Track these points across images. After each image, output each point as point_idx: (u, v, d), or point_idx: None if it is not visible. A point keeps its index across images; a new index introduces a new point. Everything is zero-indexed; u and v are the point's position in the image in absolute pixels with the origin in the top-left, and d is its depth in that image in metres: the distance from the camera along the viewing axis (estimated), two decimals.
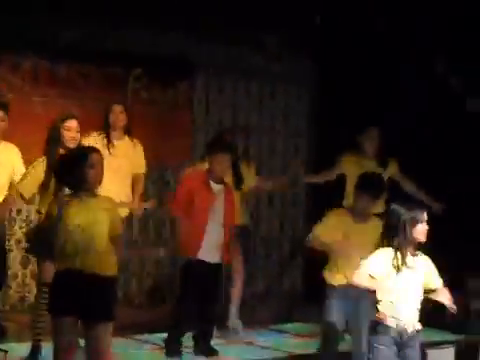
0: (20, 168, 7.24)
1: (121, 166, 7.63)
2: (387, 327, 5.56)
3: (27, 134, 7.94)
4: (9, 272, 8.10)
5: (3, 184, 7.27)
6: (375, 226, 6.49)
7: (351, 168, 8.23)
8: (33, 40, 8.42)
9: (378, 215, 6.87)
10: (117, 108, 7.78)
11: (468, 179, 9.17)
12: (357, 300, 6.60)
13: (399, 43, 9.51)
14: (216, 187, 7.38)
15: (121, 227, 6.01)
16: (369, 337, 5.81)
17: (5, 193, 7.21)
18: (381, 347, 5.60)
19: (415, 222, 5.56)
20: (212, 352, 7.49)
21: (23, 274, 8.69)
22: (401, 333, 5.60)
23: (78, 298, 5.42)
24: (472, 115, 9.85)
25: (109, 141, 7.67)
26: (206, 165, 7.60)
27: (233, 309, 8.44)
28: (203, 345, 7.54)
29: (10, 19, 8.17)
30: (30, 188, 6.96)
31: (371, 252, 5.93)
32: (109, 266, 5.70)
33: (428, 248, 5.74)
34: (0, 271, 7.53)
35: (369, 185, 6.88)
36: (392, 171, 8.48)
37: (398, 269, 5.54)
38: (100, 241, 5.61)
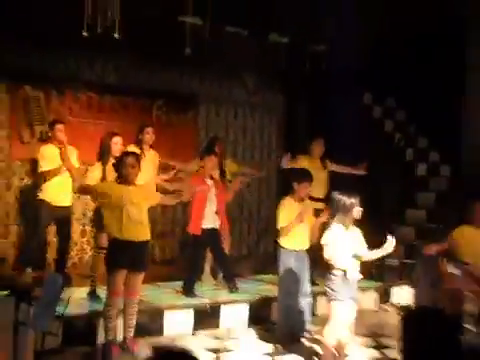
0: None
1: (149, 168, 8.12)
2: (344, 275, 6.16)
3: (83, 146, 8.36)
4: (71, 241, 8.67)
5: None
6: (309, 204, 7.40)
7: (304, 164, 8.63)
8: (87, 80, 9.16)
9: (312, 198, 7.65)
10: (148, 129, 8.33)
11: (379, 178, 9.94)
12: (303, 257, 7.30)
13: (336, 82, 9.86)
14: (209, 182, 8.22)
15: (157, 197, 7.06)
16: (327, 281, 6.31)
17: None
18: (340, 289, 6.20)
19: (353, 205, 6.23)
20: (235, 288, 8.41)
21: (81, 242, 9.36)
22: (351, 281, 6.23)
23: (128, 257, 6.36)
24: (388, 134, 11.12)
25: (142, 151, 8.07)
26: (202, 163, 8.30)
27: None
28: (230, 283, 8.45)
29: (72, 65, 8.95)
30: (91, 182, 7.34)
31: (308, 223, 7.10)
32: (146, 234, 6.59)
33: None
34: (66, 239, 8.30)
35: (307, 176, 7.39)
36: (328, 166, 9.04)
37: (345, 236, 6.22)
38: (140, 216, 6.47)
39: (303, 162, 8.86)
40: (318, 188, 8.47)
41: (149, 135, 8.41)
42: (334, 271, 6.28)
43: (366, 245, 6.44)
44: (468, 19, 10.02)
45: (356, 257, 6.33)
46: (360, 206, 6.32)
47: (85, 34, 7.10)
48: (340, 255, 6.26)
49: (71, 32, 7.12)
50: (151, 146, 8.48)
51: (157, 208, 8.96)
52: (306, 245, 7.37)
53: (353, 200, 6.30)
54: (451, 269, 6.89)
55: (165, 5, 8.15)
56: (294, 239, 7.27)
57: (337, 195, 6.40)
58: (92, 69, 9.08)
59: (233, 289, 8.46)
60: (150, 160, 8.40)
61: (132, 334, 6.70)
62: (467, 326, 7.19)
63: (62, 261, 8.33)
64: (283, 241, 7.31)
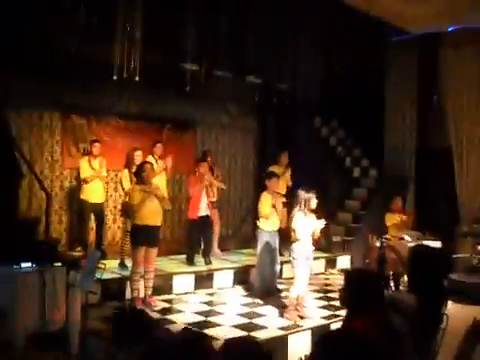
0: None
1: (161, 173, 8.22)
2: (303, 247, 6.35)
3: (113, 157, 8.59)
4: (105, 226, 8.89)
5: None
6: (279, 197, 7.47)
7: (274, 170, 8.39)
8: (117, 111, 9.10)
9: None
10: (158, 144, 8.47)
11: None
12: (275, 236, 7.31)
13: (295, 110, 10.12)
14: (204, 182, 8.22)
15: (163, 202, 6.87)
16: (290, 252, 6.41)
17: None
18: (300, 259, 6.35)
19: (310, 198, 6.38)
20: (210, 262, 8.32)
21: (113, 227, 9.26)
22: (308, 254, 6.42)
23: (145, 237, 6.50)
24: (332, 147, 11.15)
25: (156, 161, 8.19)
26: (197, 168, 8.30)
27: (215, 243, 8.98)
28: (206, 258, 8.34)
29: (106, 100, 8.88)
30: (125, 185, 7.77)
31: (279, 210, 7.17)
32: (159, 220, 6.70)
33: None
34: (101, 226, 8.48)
35: (271, 175, 7.44)
36: (290, 173, 8.96)
37: (305, 221, 6.35)
38: (155, 208, 6.58)
39: (273, 168, 8.75)
40: (283, 186, 8.52)
41: (158, 148, 8.49)
42: (295, 244, 6.38)
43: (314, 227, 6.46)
44: (387, 63, 10.12)
45: (311, 232, 6.40)
46: (315, 199, 6.41)
47: (115, 78, 7.10)
48: (300, 234, 6.33)
49: (105, 77, 7.09)
50: (160, 157, 8.47)
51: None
52: (277, 227, 7.40)
53: (310, 194, 6.39)
54: (376, 243, 6.98)
55: (171, 55, 8.11)
56: (269, 222, 7.28)
57: (299, 191, 6.48)
58: (120, 103, 9.03)
59: (208, 262, 8.35)
60: (161, 166, 8.41)
61: (150, 292, 6.77)
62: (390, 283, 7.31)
63: (99, 241, 8.42)
64: (261, 224, 7.31)
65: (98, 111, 9.02)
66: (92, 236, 8.51)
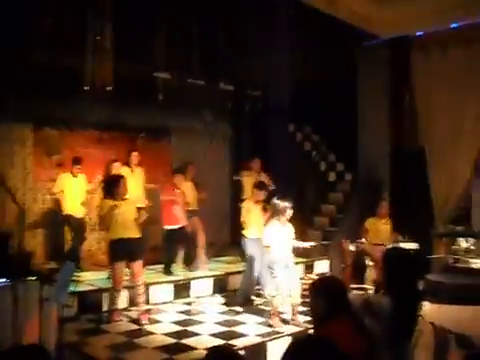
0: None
1: (138, 182, 8.25)
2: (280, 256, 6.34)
3: (87, 167, 8.48)
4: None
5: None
6: (261, 206, 7.28)
7: (245, 178, 8.85)
8: (89, 121, 8.90)
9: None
10: (135, 153, 8.43)
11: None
12: (260, 243, 6.88)
13: (268, 116, 10.16)
14: (177, 191, 8.13)
15: (139, 213, 6.76)
16: (269, 263, 6.38)
17: None
18: (278, 268, 6.30)
19: (286, 208, 6.37)
20: (194, 269, 8.30)
21: (89, 238, 8.88)
22: (286, 262, 6.38)
23: (123, 251, 6.29)
24: (307, 152, 11.27)
25: (132, 170, 8.25)
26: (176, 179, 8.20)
27: (201, 251, 8.71)
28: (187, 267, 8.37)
29: (78, 111, 8.54)
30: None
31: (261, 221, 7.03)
32: (134, 232, 6.44)
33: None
34: (79, 239, 8.41)
35: (261, 186, 7.45)
36: (263, 177, 8.65)
37: (280, 230, 6.39)
38: (131, 221, 6.42)
39: (245, 176, 8.89)
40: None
41: (134, 157, 8.45)
42: (271, 255, 6.39)
43: (294, 237, 6.55)
44: (359, 67, 10.16)
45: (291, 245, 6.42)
46: (291, 209, 6.38)
47: (86, 88, 7.09)
48: (274, 243, 6.32)
49: (77, 87, 7.09)
50: (137, 165, 8.45)
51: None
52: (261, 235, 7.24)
53: (286, 204, 6.38)
54: (350, 247, 7.02)
55: (143, 65, 8.11)
56: (254, 230, 7.24)
57: (275, 201, 6.46)
58: (92, 113, 8.87)
59: (192, 269, 8.35)
60: (138, 175, 8.42)
61: (142, 308, 6.55)
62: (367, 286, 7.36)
63: (77, 253, 8.26)
64: (247, 232, 7.32)
65: (70, 122, 8.93)
66: (67, 248, 8.41)
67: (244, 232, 7.35)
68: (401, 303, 3.39)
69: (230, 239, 10.24)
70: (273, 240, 6.35)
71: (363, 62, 10.09)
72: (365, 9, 8.28)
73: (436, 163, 9.24)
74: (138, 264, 6.48)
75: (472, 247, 8.59)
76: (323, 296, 3.23)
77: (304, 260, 9.29)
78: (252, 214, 7.27)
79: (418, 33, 9.41)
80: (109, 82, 7.19)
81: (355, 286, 7.73)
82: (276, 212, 6.42)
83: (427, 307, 7.29)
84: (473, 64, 8.71)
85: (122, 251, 6.36)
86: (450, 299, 7.18)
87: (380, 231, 8.08)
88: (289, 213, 6.40)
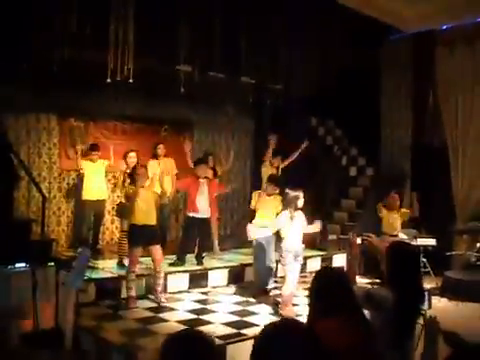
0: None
1: (170, 169, 8.57)
2: (291, 246, 6.41)
3: (115, 158, 8.53)
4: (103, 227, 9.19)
5: None
6: (275, 199, 7.32)
7: (264, 169, 8.98)
8: (113, 113, 9.29)
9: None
10: (161, 145, 8.71)
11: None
12: (268, 232, 7.06)
13: (291, 110, 10.29)
14: (201, 180, 8.13)
15: (158, 200, 7.03)
16: (281, 253, 6.44)
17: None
18: (289, 257, 6.42)
19: (298, 197, 6.44)
20: (201, 262, 8.21)
21: (111, 227, 9.49)
22: (296, 251, 6.49)
23: (141, 237, 6.57)
24: (329, 146, 11.21)
25: (159, 163, 8.54)
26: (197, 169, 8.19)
27: (215, 242, 8.98)
28: (198, 259, 8.23)
29: (102, 103, 8.95)
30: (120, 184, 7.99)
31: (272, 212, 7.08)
32: (152, 219, 6.71)
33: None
34: (99, 224, 8.75)
35: (272, 180, 7.52)
36: (280, 165, 9.07)
37: (291, 219, 6.43)
38: (150, 208, 6.69)
39: (263, 168, 9.03)
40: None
41: (161, 150, 8.75)
42: (283, 243, 6.46)
43: (306, 223, 6.54)
44: (382, 62, 10.22)
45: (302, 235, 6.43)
46: (303, 198, 6.41)
47: (108, 81, 7.22)
48: (284, 232, 6.41)
49: (100, 80, 7.19)
50: (166, 155, 8.74)
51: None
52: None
53: (297, 193, 6.42)
54: (357, 240, 7.03)
55: (165, 57, 8.17)
56: (261, 220, 7.24)
57: (287, 190, 6.51)
58: (116, 105, 9.11)
59: (200, 263, 8.28)
60: (169, 164, 8.74)
61: (159, 288, 6.83)
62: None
63: (96, 239, 8.65)
64: (255, 221, 7.33)
65: (95, 114, 9.14)
66: (85, 234, 8.63)
67: (253, 221, 7.40)
68: (403, 297, 3.41)
69: None
70: (285, 229, 6.40)
71: (387, 57, 10.14)
72: (392, 4, 8.26)
73: (458, 159, 9.24)
74: (157, 248, 6.71)
75: None
76: (324, 287, 3.13)
77: (322, 254, 9.35)
78: (261, 203, 7.32)
79: (443, 27, 9.37)
80: (131, 75, 7.25)
81: (368, 281, 7.84)
82: (287, 202, 6.48)
83: (442, 303, 7.40)
84: None
85: (140, 236, 6.61)
86: (470, 297, 7.47)
87: (393, 222, 8.15)
88: (300, 202, 6.45)
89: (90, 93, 8.48)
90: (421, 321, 3.91)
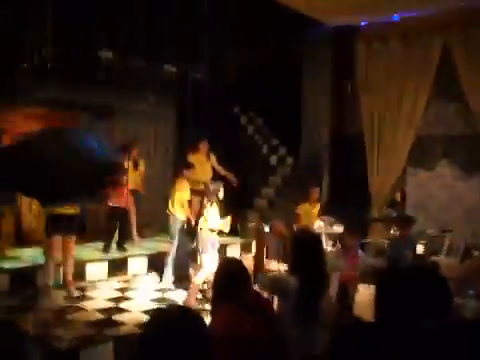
0: None
1: None
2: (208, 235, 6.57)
3: None
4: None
5: None
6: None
7: (194, 159, 8.59)
8: (30, 98, 8.50)
9: None
10: None
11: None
12: (180, 221, 7.39)
13: (213, 99, 10.26)
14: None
15: None
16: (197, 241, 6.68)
17: None
18: (208, 245, 6.54)
19: (218, 189, 6.64)
20: (125, 249, 8.38)
21: (29, 215, 8.83)
22: (212, 239, 6.59)
23: (60, 226, 6.50)
24: (250, 135, 11.47)
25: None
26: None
27: (133, 229, 9.00)
28: (120, 246, 8.42)
29: (18, 86, 8.31)
30: None
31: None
32: (71, 209, 6.58)
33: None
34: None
35: (189, 166, 7.65)
36: (212, 159, 8.92)
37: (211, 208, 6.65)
38: None
39: (193, 158, 8.76)
40: (204, 174, 8.50)
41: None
42: (200, 233, 6.64)
43: (219, 216, 6.72)
44: (304, 53, 10.49)
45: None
46: (222, 189, 6.66)
47: (25, 65, 7.13)
48: (205, 223, 6.61)
49: (17, 64, 7.10)
50: None
51: None
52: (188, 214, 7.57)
53: (217, 186, 6.69)
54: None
55: (85, 43, 8.11)
56: (178, 208, 7.43)
57: (208, 183, 6.88)
58: (34, 90, 8.51)
59: (122, 250, 8.42)
60: None
61: (70, 278, 6.82)
62: None
63: None
64: (172, 209, 7.49)
65: (11, 98, 8.54)
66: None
67: (173, 210, 7.52)
68: (306, 282, 3.62)
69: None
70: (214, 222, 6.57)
71: (308, 48, 10.42)
72: None
73: (374, 148, 9.69)
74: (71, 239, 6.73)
75: None
76: (222, 277, 3.31)
77: (241, 240, 9.57)
78: (177, 192, 7.45)
79: (362, 23, 9.81)
80: (49, 59, 7.18)
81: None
82: (209, 194, 6.69)
83: (361, 289, 7.81)
84: (410, 53, 9.22)
85: (58, 226, 6.57)
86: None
87: (311, 216, 8.46)
88: (220, 194, 6.67)
89: (6, 77, 8.07)
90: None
